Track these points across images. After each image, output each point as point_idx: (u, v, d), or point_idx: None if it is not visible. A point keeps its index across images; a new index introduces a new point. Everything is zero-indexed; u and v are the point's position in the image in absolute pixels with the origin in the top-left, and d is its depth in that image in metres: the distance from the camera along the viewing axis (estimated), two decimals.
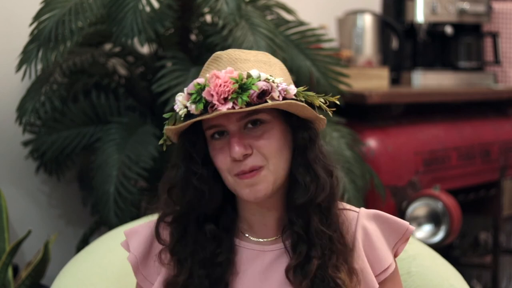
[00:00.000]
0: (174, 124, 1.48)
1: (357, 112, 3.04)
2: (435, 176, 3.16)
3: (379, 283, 1.54)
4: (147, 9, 2.40)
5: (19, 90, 2.59)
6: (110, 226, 2.37)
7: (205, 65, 1.51)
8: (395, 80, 3.54)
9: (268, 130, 1.47)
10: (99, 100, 2.63)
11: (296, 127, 1.49)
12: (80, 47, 2.64)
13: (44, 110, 2.50)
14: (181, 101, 1.46)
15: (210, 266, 1.51)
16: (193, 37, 2.72)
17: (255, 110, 1.44)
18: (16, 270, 2.53)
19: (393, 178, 3.01)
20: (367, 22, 3.46)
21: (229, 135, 1.46)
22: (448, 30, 3.59)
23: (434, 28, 3.59)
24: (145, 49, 2.72)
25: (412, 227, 1.57)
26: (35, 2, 2.42)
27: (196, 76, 2.47)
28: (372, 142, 3.02)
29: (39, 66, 2.38)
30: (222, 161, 1.47)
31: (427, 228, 2.99)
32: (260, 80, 1.43)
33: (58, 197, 2.84)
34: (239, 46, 2.33)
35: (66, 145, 2.59)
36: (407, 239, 1.57)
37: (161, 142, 1.53)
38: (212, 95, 1.42)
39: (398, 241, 1.56)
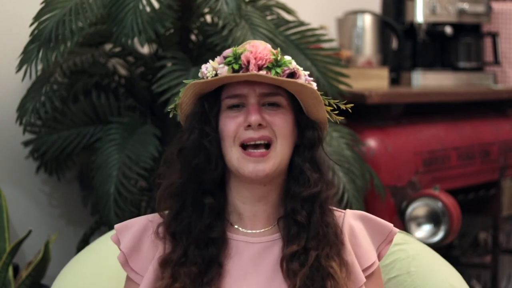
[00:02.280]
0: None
1: (357, 112, 3.04)
2: (435, 176, 3.16)
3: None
4: (147, 9, 2.40)
5: (20, 90, 2.59)
6: (110, 226, 2.37)
7: (239, 46, 1.57)
8: (395, 80, 3.54)
9: (283, 113, 1.54)
10: (99, 100, 2.64)
11: (305, 125, 1.57)
12: (80, 47, 2.64)
13: (44, 110, 2.50)
14: (212, 64, 1.54)
15: (204, 246, 1.54)
16: (193, 37, 2.72)
17: (276, 91, 1.53)
18: (16, 270, 2.54)
19: (393, 178, 3.01)
20: (367, 22, 3.46)
21: (248, 106, 1.52)
22: (448, 30, 3.59)
23: (433, 28, 3.59)
24: (145, 49, 2.72)
25: (396, 229, 1.62)
26: (35, 2, 2.42)
27: (197, 76, 2.48)
28: (372, 142, 3.02)
29: (40, 66, 2.38)
30: (232, 129, 1.52)
31: (427, 228, 2.99)
32: (292, 63, 1.54)
33: (58, 197, 2.84)
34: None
35: (66, 145, 2.59)
36: (391, 241, 1.62)
37: (171, 106, 1.61)
38: (249, 61, 1.51)
39: (382, 242, 1.61)
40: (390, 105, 3.14)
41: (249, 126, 1.51)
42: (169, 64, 2.50)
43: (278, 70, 1.51)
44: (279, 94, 1.54)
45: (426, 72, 3.56)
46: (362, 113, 3.09)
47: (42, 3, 2.40)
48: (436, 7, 3.53)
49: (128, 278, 1.61)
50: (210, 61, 1.54)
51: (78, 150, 2.62)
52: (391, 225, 1.62)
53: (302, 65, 2.50)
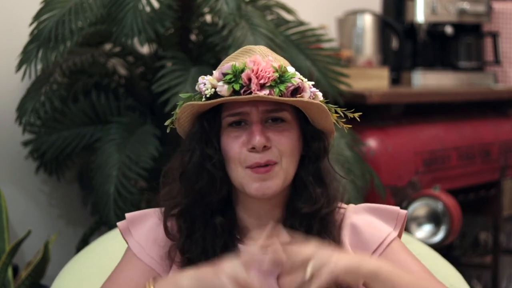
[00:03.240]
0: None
1: (357, 112, 3.03)
2: (435, 176, 3.16)
3: (382, 257, 1.50)
4: (147, 9, 2.40)
5: (19, 90, 2.59)
6: (110, 226, 2.37)
7: (234, 54, 1.51)
8: (395, 80, 3.54)
9: (287, 129, 1.47)
10: (99, 100, 2.63)
11: (310, 136, 1.50)
12: (80, 47, 2.64)
13: (44, 110, 2.50)
14: (210, 81, 1.45)
15: None
16: (193, 37, 2.72)
17: (281, 107, 1.45)
18: (16, 270, 2.53)
19: (393, 178, 3.01)
20: (367, 22, 3.46)
21: (251, 125, 1.45)
22: (448, 30, 3.59)
23: (434, 28, 3.59)
24: (145, 49, 2.72)
25: (403, 211, 1.55)
26: (35, 2, 2.42)
27: (197, 76, 2.48)
28: (372, 142, 3.02)
29: (39, 66, 2.38)
30: (236, 150, 1.45)
31: (427, 228, 2.99)
32: (295, 77, 1.45)
33: (58, 197, 2.84)
34: (239, 46, 2.33)
35: (66, 145, 2.59)
36: (402, 223, 1.54)
37: (168, 122, 1.52)
38: (250, 79, 1.42)
39: (395, 226, 1.54)
40: (390, 105, 3.14)
41: (253, 148, 1.44)
42: (169, 64, 2.50)
43: (282, 87, 1.42)
44: (284, 109, 1.47)
45: (427, 72, 3.55)
46: (362, 113, 3.08)
47: (41, 2, 2.40)
48: (437, 7, 3.53)
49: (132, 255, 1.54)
50: (209, 76, 1.46)
51: (78, 150, 2.62)
52: (397, 207, 1.56)
53: (302, 65, 2.52)
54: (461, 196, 3.30)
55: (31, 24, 2.38)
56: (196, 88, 1.48)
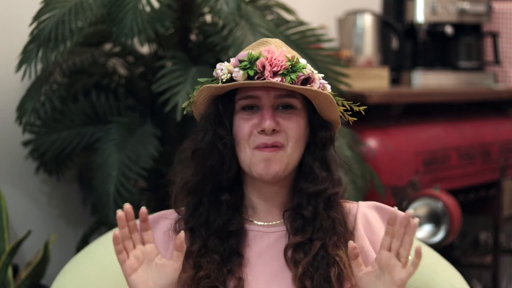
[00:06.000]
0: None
1: (357, 112, 3.03)
2: (435, 176, 3.16)
3: None
4: (147, 9, 2.40)
5: (19, 90, 2.59)
6: (110, 226, 2.37)
7: (251, 45, 1.61)
8: (395, 80, 3.54)
9: (296, 115, 1.57)
10: (99, 100, 2.63)
11: (317, 125, 1.60)
12: (80, 47, 2.64)
13: (44, 110, 2.50)
14: (227, 66, 1.55)
15: (224, 236, 1.58)
16: (193, 37, 2.72)
17: (292, 94, 1.55)
18: (16, 270, 2.53)
19: (393, 178, 3.01)
20: (367, 22, 3.46)
21: (262, 109, 1.55)
22: (448, 30, 3.59)
23: (434, 28, 3.59)
24: (145, 49, 2.72)
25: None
26: (35, 2, 2.42)
27: (197, 76, 2.48)
28: (372, 142, 3.02)
29: (39, 66, 2.38)
30: (245, 131, 1.55)
31: (427, 228, 2.99)
32: (306, 68, 1.55)
33: (58, 197, 2.83)
34: (239, 46, 2.33)
35: (66, 145, 2.59)
36: None
37: (185, 104, 1.62)
38: (264, 66, 1.52)
39: None
40: (390, 105, 3.14)
41: (263, 130, 1.54)
42: (169, 64, 2.50)
43: (293, 76, 1.52)
44: (294, 96, 1.56)
45: (427, 72, 3.55)
46: (362, 113, 3.08)
47: (41, 2, 2.40)
48: (437, 7, 3.53)
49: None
50: (226, 62, 1.56)
51: (77, 150, 2.61)
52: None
53: None
54: (461, 196, 3.30)
55: (31, 24, 2.38)
56: (214, 73, 1.58)
